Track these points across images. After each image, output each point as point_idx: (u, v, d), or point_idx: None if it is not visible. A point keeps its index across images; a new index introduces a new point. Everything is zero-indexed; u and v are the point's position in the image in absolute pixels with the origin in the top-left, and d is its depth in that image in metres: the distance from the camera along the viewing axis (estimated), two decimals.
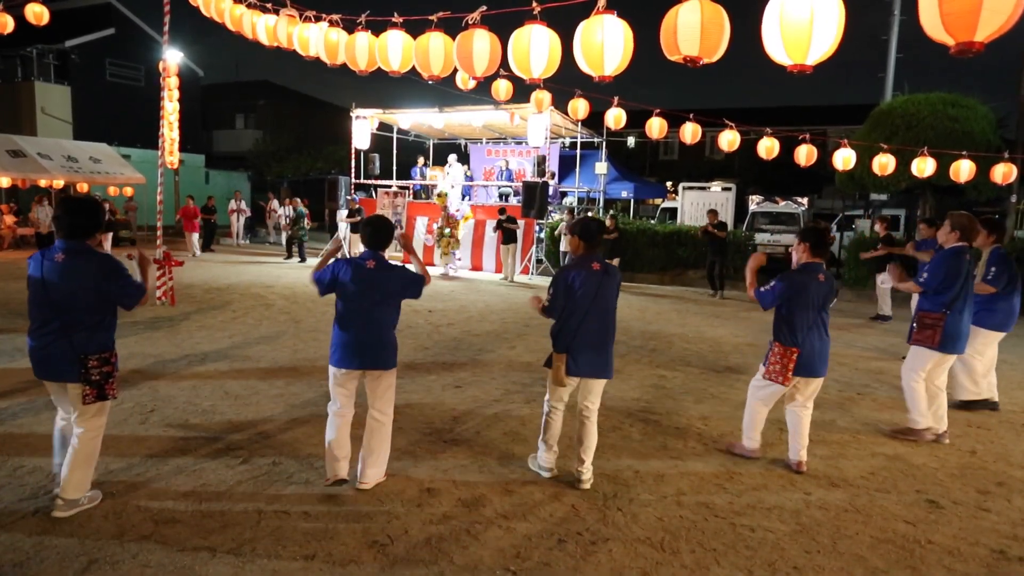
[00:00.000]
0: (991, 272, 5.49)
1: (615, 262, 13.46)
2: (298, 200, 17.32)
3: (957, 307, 4.88)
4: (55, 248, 3.42)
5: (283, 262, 16.16)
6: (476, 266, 16.01)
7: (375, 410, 3.93)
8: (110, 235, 17.55)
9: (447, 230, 14.94)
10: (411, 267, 4.05)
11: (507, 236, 14.40)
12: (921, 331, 4.98)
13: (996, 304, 5.62)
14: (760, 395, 4.52)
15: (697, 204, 19.12)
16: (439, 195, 15.55)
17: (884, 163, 11.17)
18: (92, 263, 3.41)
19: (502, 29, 5.00)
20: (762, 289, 4.35)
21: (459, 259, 15.55)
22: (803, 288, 4.19)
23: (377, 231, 3.91)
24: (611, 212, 15.94)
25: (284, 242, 18.36)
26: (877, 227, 10.94)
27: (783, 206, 18.38)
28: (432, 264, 16.31)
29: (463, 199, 16.34)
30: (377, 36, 6.04)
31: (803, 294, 4.18)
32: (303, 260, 16.28)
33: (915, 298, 5.47)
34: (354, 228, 14.90)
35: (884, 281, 10.13)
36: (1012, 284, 5.63)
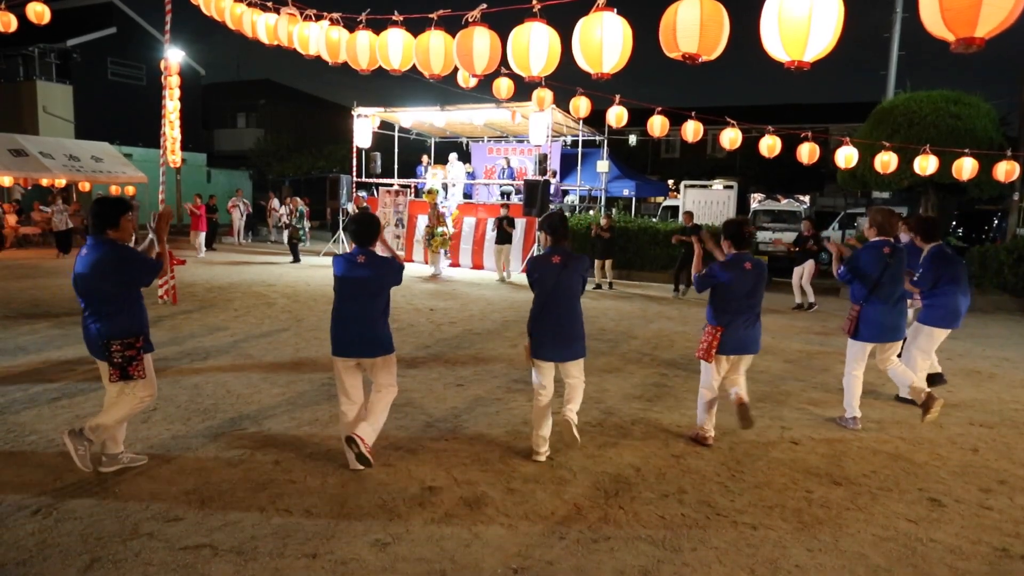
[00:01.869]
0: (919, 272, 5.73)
1: (608, 263, 13.42)
2: (298, 200, 17.34)
3: (874, 299, 5.10)
4: (85, 244, 3.84)
5: (291, 264, 16.07)
6: (477, 265, 15.99)
7: (379, 383, 4.18)
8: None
9: (439, 229, 14.84)
10: (380, 252, 4.24)
11: (501, 236, 14.26)
12: (847, 321, 5.35)
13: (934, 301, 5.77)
14: (703, 382, 4.81)
15: (699, 202, 19.10)
16: (428, 192, 15.47)
17: (886, 161, 11.14)
18: (108, 252, 3.74)
19: (502, 27, 5.01)
20: (697, 276, 4.72)
21: (448, 261, 15.43)
22: (727, 278, 4.55)
23: (364, 227, 4.13)
24: (608, 211, 15.91)
25: (286, 243, 18.33)
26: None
27: (785, 204, 18.40)
28: (424, 262, 16.23)
29: (466, 197, 16.29)
30: (378, 35, 6.04)
31: (729, 283, 4.55)
32: (297, 260, 16.23)
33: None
34: None
35: None
36: (946, 282, 5.69)
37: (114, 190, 20.00)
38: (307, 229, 16.90)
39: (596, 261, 13.15)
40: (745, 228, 4.72)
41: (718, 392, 4.79)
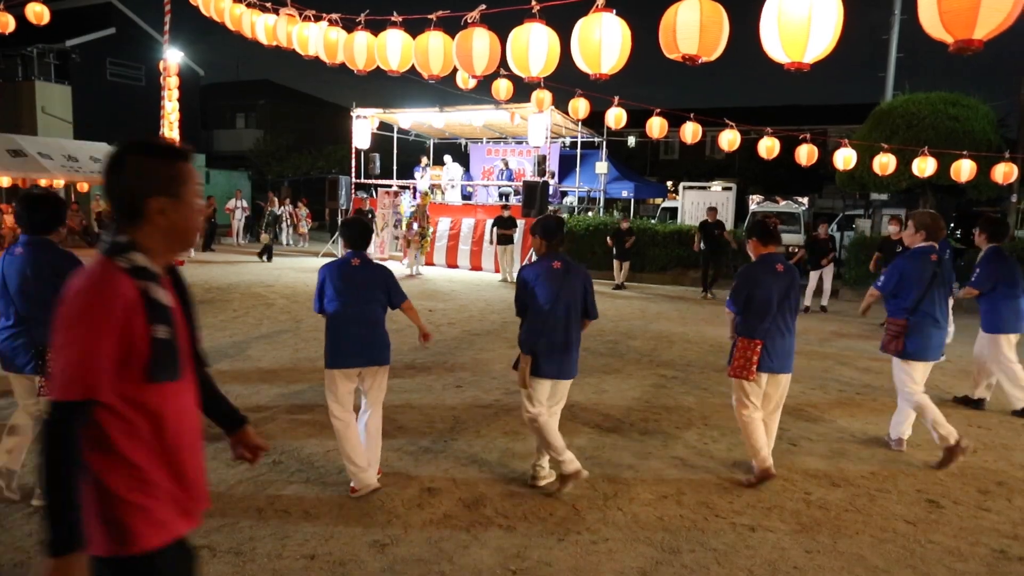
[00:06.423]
0: (975, 273, 5.44)
1: (624, 267, 13.55)
2: (276, 200, 17.47)
3: (922, 311, 4.52)
4: (17, 243, 3.47)
5: (264, 262, 16.03)
6: (476, 266, 15.97)
7: (370, 411, 3.95)
8: None
9: (431, 229, 14.80)
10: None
11: (502, 237, 14.28)
12: (889, 339, 4.68)
13: (997, 305, 5.56)
14: (743, 404, 4.17)
15: (698, 204, 19.10)
16: (424, 194, 15.44)
17: (884, 163, 11.15)
18: (49, 256, 3.40)
19: (501, 28, 5.01)
20: (728, 299, 4.23)
21: (420, 263, 15.41)
22: (758, 281, 4.06)
23: (355, 231, 4.01)
24: (623, 217, 15.91)
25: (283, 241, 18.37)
26: (892, 228, 10.54)
27: (783, 206, 18.36)
28: (398, 260, 16.06)
29: (464, 199, 16.24)
30: (376, 35, 6.03)
31: (760, 287, 4.04)
32: (268, 259, 16.18)
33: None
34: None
35: None
36: (1009, 285, 5.50)
37: None
38: (279, 233, 16.90)
39: (615, 261, 13.70)
40: (770, 225, 4.17)
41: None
